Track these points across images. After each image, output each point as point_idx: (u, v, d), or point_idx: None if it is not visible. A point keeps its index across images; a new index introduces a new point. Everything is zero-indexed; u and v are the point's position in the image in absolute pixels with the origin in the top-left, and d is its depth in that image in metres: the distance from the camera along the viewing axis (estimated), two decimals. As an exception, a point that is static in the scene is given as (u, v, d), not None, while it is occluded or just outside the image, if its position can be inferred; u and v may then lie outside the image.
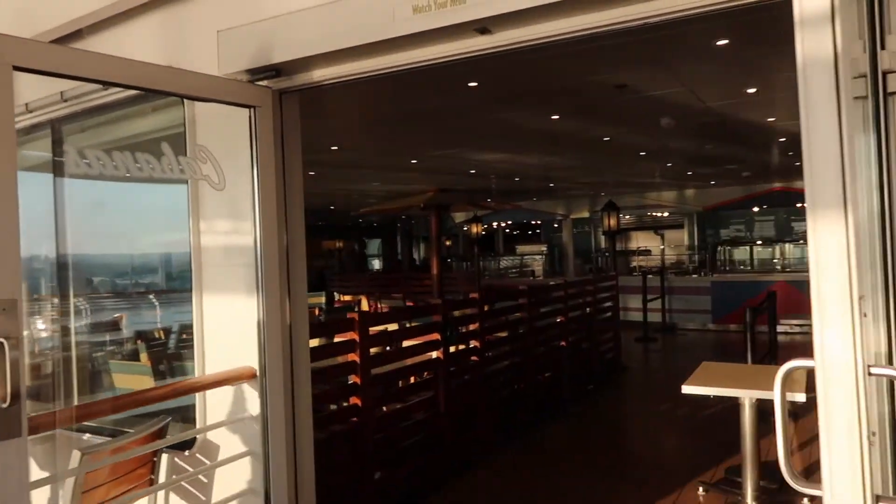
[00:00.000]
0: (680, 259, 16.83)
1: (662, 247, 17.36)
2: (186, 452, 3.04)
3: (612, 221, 9.76)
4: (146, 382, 4.63)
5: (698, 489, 4.63)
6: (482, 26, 2.34)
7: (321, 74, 2.77)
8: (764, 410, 5.84)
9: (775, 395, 1.62)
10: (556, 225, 18.26)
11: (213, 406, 3.07)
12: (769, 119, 6.38)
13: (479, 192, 13.62)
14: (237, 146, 2.85)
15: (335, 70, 2.71)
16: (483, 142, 7.32)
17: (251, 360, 2.92)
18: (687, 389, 4.03)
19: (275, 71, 2.77)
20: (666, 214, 16.03)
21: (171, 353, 5.56)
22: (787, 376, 1.63)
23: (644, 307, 11.88)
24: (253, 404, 2.92)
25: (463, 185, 11.35)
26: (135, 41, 3.12)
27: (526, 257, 17.14)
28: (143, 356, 5.43)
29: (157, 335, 6.72)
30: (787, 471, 1.61)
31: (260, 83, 2.80)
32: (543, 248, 16.70)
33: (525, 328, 6.51)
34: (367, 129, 6.38)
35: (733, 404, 6.87)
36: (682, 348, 11.37)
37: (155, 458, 2.99)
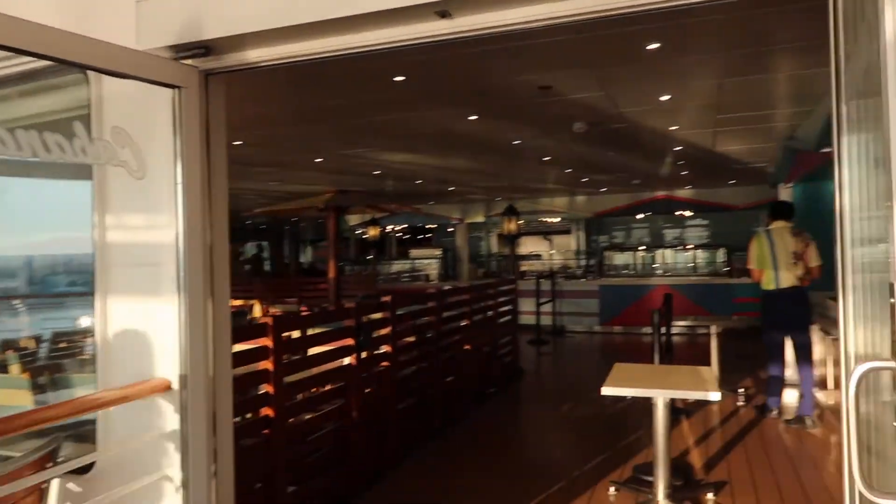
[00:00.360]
0: (568, 264, 17.39)
1: (552, 251, 17.89)
2: (86, 476, 2.67)
3: (512, 226, 9.88)
4: (22, 398, 4.11)
5: (609, 489, 4.70)
6: (443, 9, 2.20)
7: (258, 55, 2.52)
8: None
9: (849, 399, 1.55)
10: (450, 229, 18.36)
11: (117, 423, 2.73)
12: (672, 127, 6.66)
13: (377, 195, 13.42)
14: (152, 132, 2.54)
15: (277, 50, 2.47)
16: (395, 142, 7.16)
17: (165, 371, 2.62)
18: (606, 391, 4.07)
19: (204, 49, 2.49)
20: (557, 220, 16.49)
21: (48, 363, 4.99)
22: (863, 378, 1.54)
23: (537, 311, 12.13)
24: (166, 420, 2.61)
25: (363, 186, 11.12)
26: (31, 5, 2.72)
27: (420, 261, 17.10)
28: (15, 367, 4.83)
29: (25, 345, 6.06)
30: (861, 480, 1.51)
31: (185, 61, 2.51)
32: (437, 252, 16.71)
33: (433, 332, 6.42)
34: (274, 124, 6.04)
35: (631, 403, 7.18)
36: (574, 350, 11.70)
37: (44, 486, 2.61)
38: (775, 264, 6.32)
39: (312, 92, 4.85)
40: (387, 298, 5.52)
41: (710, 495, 4.52)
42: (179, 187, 2.46)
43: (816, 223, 7.66)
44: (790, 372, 6.99)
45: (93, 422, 2.78)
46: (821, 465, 5.14)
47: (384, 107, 5.35)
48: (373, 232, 13.01)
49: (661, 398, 4.22)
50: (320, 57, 2.49)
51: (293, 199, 11.33)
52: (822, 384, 7.14)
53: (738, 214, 15.30)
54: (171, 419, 2.58)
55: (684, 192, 14.51)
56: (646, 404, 7.04)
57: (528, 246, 17.76)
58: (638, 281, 13.43)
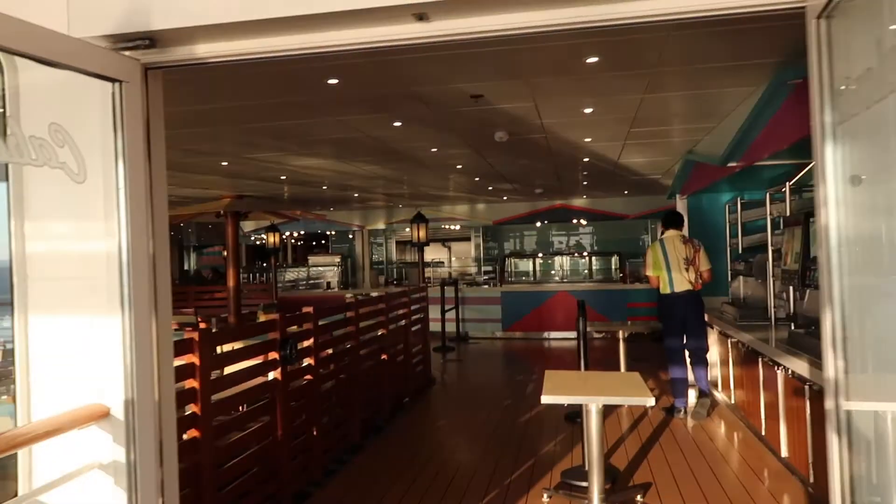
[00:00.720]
0: (467, 271, 17.57)
1: (453, 258, 18.02)
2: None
3: (422, 233, 9.82)
4: None
5: (542, 496, 4.73)
6: (421, 12, 2.11)
7: (209, 50, 2.32)
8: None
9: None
10: (350, 236, 18.06)
11: (41, 456, 2.42)
12: (586, 139, 6.84)
13: (276, 200, 12.97)
14: (81, 130, 2.27)
15: (231, 46, 2.28)
16: (312, 146, 6.89)
17: (100, 396, 2.35)
18: (546, 399, 4.08)
19: (148, 40, 2.26)
20: (457, 227, 16.63)
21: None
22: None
23: (442, 318, 12.14)
24: (102, 451, 2.34)
25: (265, 191, 10.69)
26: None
27: (318, 268, 16.69)
28: None
29: None
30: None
31: (125, 53, 2.27)
32: (337, 259, 16.38)
33: (352, 343, 6.25)
34: (183, 124, 5.66)
35: (544, 409, 7.30)
36: (479, 357, 11.79)
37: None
38: (669, 270, 6.83)
39: (233, 91, 4.58)
40: (308, 309, 5.30)
41: (639, 497, 4.64)
42: (122, 192, 2.21)
43: (710, 232, 8.14)
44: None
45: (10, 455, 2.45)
46: (731, 459, 5.42)
47: (306, 110, 5.14)
48: (272, 238, 12.55)
49: (594, 405, 4.28)
50: (280, 55, 2.32)
51: (187, 204, 10.72)
52: (716, 384, 7.57)
53: (629, 223, 16.06)
54: (109, 450, 2.31)
55: (580, 202, 15.05)
56: (558, 410, 7.23)
57: (428, 253, 17.80)
58: (538, 287, 13.76)
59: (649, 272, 6.98)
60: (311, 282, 16.83)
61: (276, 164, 8.10)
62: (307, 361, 5.20)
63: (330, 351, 5.74)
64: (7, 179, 2.41)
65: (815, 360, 4.36)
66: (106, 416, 2.34)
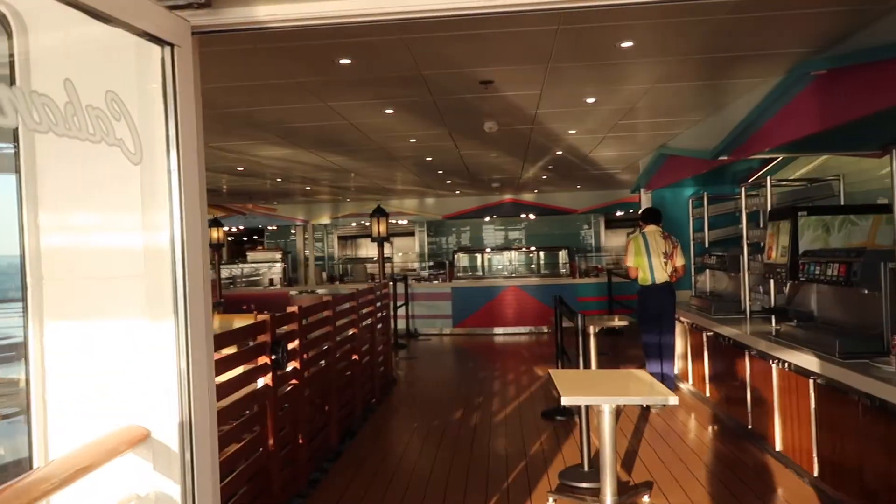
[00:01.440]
0: (410, 266, 17.29)
1: (401, 254, 17.68)
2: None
3: (382, 227, 9.49)
4: None
5: (547, 500, 4.57)
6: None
7: (270, 13, 1.99)
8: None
9: None
10: (292, 231, 17.43)
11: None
12: (570, 131, 6.71)
13: (216, 193, 12.31)
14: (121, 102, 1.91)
15: (299, 9, 1.96)
16: (285, 135, 6.42)
17: (134, 417, 2.00)
18: (567, 401, 3.91)
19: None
20: (405, 222, 16.32)
21: None
22: None
23: (395, 314, 11.84)
24: (138, 482, 2.00)
25: (219, 184, 10.06)
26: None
27: (258, 265, 16.00)
28: None
29: None
30: None
31: (176, 13, 1.92)
32: (278, 255, 15.76)
33: (329, 344, 5.92)
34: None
35: (515, 408, 7.16)
36: (434, 353, 11.58)
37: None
38: (650, 262, 7.09)
39: (217, 71, 4.13)
40: (293, 309, 4.95)
41: (645, 498, 4.54)
42: (174, 176, 1.86)
43: (674, 227, 8.21)
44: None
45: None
46: (723, 455, 5.41)
47: (312, 93, 4.75)
48: (215, 234, 11.91)
49: (606, 405, 4.14)
50: (349, 21, 2.02)
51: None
52: (684, 378, 7.63)
53: (574, 218, 16.18)
54: (149, 480, 1.97)
55: (530, 196, 15.03)
56: (534, 407, 7.11)
57: (368, 249, 17.44)
58: (488, 283, 13.69)
59: (630, 262, 7.18)
60: (250, 279, 16.15)
61: (237, 155, 7.59)
62: (293, 365, 4.85)
63: (313, 353, 5.40)
64: (18, 160, 2.01)
65: (822, 353, 4.37)
66: (144, 440, 2.00)
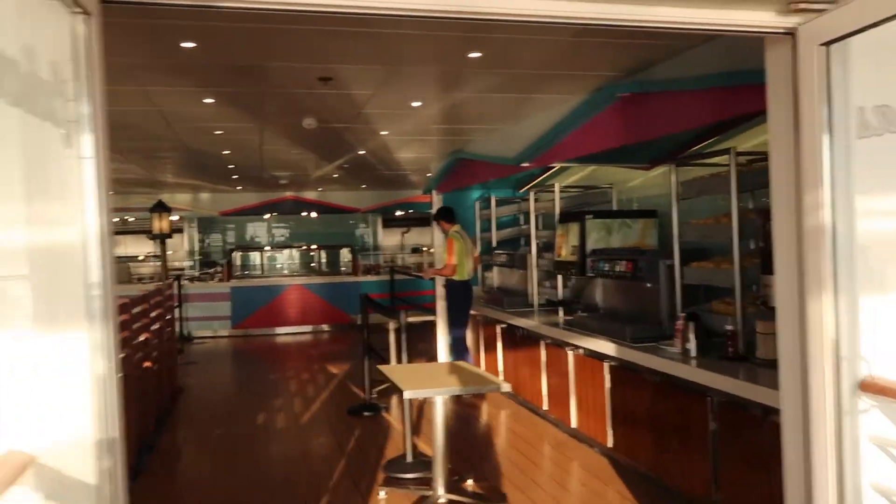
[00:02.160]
0: (176, 265, 16.09)
1: (169, 252, 16.22)
2: None
3: (164, 224, 8.70)
4: None
5: (378, 493, 4.64)
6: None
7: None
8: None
9: None
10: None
11: None
12: (383, 132, 6.78)
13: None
14: None
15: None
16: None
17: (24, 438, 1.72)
18: (409, 395, 4.04)
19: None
20: (176, 218, 15.12)
21: None
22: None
23: (172, 316, 10.98)
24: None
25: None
26: None
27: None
28: None
29: None
30: None
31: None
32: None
33: (128, 351, 5.35)
34: None
35: (320, 406, 7.12)
36: (216, 357, 10.98)
37: None
38: (466, 259, 7.53)
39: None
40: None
41: (470, 481, 4.83)
42: (90, 163, 1.63)
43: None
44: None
45: None
46: (525, 436, 5.93)
47: (130, 77, 4.19)
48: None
49: (439, 397, 4.33)
50: (259, 8, 1.93)
51: None
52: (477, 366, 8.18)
53: (352, 216, 16.33)
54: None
55: (312, 194, 14.84)
56: (337, 405, 7.10)
57: (131, 247, 15.88)
58: (270, 281, 13.30)
59: (454, 260, 7.37)
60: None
61: None
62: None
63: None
64: None
65: (615, 339, 5.01)
66: (27, 468, 1.72)
